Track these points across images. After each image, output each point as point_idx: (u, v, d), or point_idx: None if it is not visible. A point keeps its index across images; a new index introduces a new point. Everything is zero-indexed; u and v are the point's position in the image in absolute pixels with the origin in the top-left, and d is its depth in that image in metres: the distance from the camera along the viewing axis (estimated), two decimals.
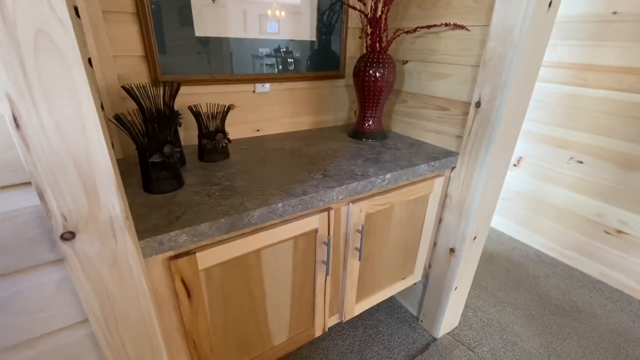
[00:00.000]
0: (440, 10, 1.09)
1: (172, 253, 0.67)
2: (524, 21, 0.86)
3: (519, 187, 2.12)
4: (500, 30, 0.91)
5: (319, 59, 1.30)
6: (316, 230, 0.88)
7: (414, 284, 1.39)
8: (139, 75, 0.97)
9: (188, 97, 1.07)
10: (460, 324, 1.49)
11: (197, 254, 0.69)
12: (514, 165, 2.13)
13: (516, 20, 0.87)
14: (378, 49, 1.17)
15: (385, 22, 1.15)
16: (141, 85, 0.86)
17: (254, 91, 1.19)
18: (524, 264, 1.93)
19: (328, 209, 0.88)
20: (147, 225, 0.64)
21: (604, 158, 1.71)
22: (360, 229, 0.98)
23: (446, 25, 1.05)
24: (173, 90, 0.87)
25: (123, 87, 0.83)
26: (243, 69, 1.13)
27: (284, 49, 1.20)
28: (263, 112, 1.25)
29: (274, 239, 0.80)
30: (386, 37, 1.17)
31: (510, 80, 0.93)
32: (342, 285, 1.07)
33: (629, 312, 1.59)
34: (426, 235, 1.25)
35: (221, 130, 0.96)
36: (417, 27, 1.12)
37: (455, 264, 1.23)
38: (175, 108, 1.04)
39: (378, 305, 1.57)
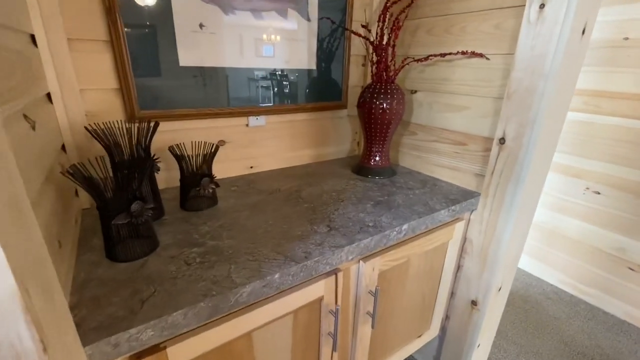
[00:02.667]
0: (454, 36, 0.99)
1: (132, 353, 0.51)
2: (557, 50, 0.75)
3: (534, 218, 1.99)
4: (528, 60, 0.80)
5: (319, 89, 1.18)
6: (321, 299, 0.72)
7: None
8: (112, 111, 0.83)
9: (171, 134, 0.93)
10: None
11: (169, 349, 0.52)
12: None
13: (548, 48, 0.76)
14: (385, 78, 1.05)
15: (394, 50, 1.04)
16: (110, 124, 0.72)
17: (247, 125, 1.06)
18: (542, 303, 1.77)
19: (335, 272, 0.73)
20: (100, 317, 0.48)
21: (622, 189, 1.60)
22: (373, 290, 0.82)
23: (463, 53, 0.94)
24: (149, 129, 0.73)
25: (86, 129, 0.69)
26: (235, 102, 1.01)
27: (281, 78, 1.08)
28: (258, 147, 1.11)
29: (269, 317, 0.64)
30: (394, 65, 1.06)
31: (540, 115, 0.81)
32: (352, 356, 0.90)
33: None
34: (444, 286, 1.09)
35: (207, 174, 0.82)
36: (430, 56, 1.01)
37: (478, 318, 1.07)
38: (155, 148, 0.90)
39: None
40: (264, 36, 1.00)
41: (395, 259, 0.85)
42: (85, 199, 0.83)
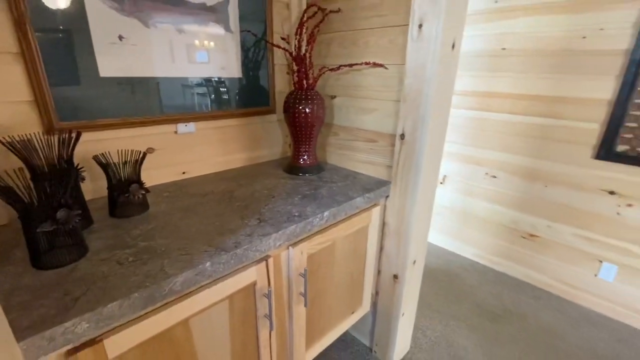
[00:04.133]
0: (360, 49, 1.15)
1: (70, 346, 0.54)
2: (434, 60, 0.94)
3: (447, 202, 2.30)
4: (415, 69, 0.99)
5: (248, 95, 1.26)
6: (254, 284, 0.81)
7: (364, 315, 1.37)
8: (28, 124, 0.82)
9: (95, 144, 0.93)
10: (411, 347, 1.50)
11: (105, 341, 0.57)
12: (441, 183, 2.31)
13: (427, 59, 0.95)
14: (306, 85, 1.18)
15: (310, 60, 1.17)
16: (27, 136, 0.72)
17: (176, 132, 1.10)
18: (460, 274, 2.06)
19: (266, 258, 0.82)
20: (32, 317, 0.51)
21: (512, 173, 1.95)
22: (303, 272, 0.92)
23: (366, 64, 1.11)
24: (71, 140, 0.75)
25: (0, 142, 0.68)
26: (169, 109, 1.04)
27: (208, 86, 1.14)
28: (189, 153, 1.15)
29: (204, 303, 0.70)
30: (312, 74, 1.19)
31: (428, 113, 1.00)
32: (290, 336, 0.99)
33: (551, 309, 1.78)
34: (370, 265, 1.24)
35: (136, 180, 0.85)
36: (340, 65, 1.17)
37: (400, 290, 1.24)
38: (80, 158, 0.90)
39: (331, 344, 1.50)
40: (195, 42, 1.05)
41: (321, 242, 0.97)
42: (3, 214, 0.80)
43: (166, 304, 0.65)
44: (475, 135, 2.06)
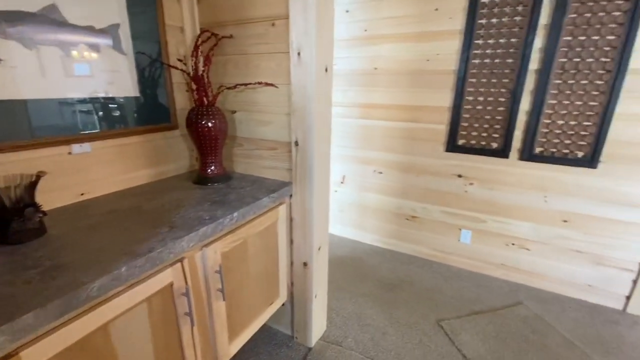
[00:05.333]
0: (252, 70, 1.32)
1: None
2: (311, 81, 1.18)
3: (349, 199, 2.64)
4: (299, 88, 1.21)
5: (148, 113, 1.30)
6: (171, 284, 0.88)
7: (283, 305, 1.52)
8: None
9: None
10: (327, 327, 1.71)
11: (23, 353, 0.59)
12: (342, 182, 2.64)
13: (307, 80, 1.18)
14: (206, 102, 1.29)
15: (208, 79, 1.28)
16: None
17: (70, 153, 1.08)
18: (363, 258, 2.39)
19: (181, 260, 0.90)
20: None
21: (393, 168, 2.38)
22: (218, 269, 1.03)
23: (259, 83, 1.29)
24: None
25: None
26: (46, 131, 1.02)
27: (105, 106, 1.15)
28: (87, 174, 1.13)
29: (121, 307, 0.76)
30: (211, 92, 1.31)
31: (313, 123, 1.22)
32: (212, 330, 1.08)
33: (431, 272, 2.23)
34: (283, 258, 1.41)
35: (31, 203, 0.84)
36: (237, 84, 1.32)
37: (310, 275, 1.44)
38: None
39: (255, 338, 1.60)
40: (85, 64, 1.06)
41: (233, 240, 1.09)
42: None
43: (84, 311, 0.69)
44: (363, 139, 2.44)
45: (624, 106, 1.66)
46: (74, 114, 1.07)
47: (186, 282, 0.92)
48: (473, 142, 2.04)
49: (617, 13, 1.57)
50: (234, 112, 1.44)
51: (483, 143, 2.02)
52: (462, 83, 1.98)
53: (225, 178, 1.36)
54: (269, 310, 1.39)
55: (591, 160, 1.76)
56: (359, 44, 2.27)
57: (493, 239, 2.15)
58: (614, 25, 1.59)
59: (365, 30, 2.22)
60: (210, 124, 1.26)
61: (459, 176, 2.15)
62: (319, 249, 1.45)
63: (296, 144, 1.28)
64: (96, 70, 1.11)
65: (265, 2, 1.22)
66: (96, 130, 1.14)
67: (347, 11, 2.24)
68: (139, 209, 1.06)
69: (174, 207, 1.07)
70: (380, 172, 2.44)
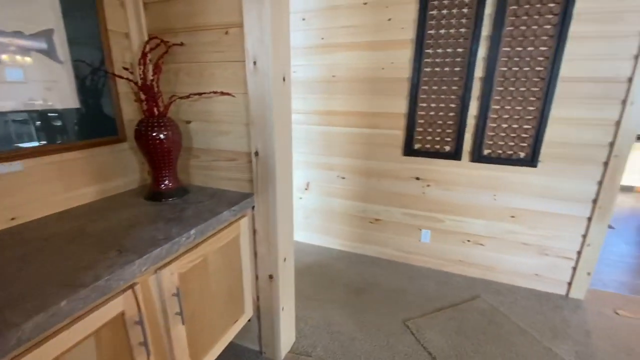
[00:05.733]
0: (207, 79, 1.27)
1: None
2: (270, 91, 1.16)
3: (314, 205, 2.64)
4: (257, 97, 1.18)
5: (91, 125, 1.19)
6: (123, 314, 0.81)
7: (249, 320, 1.47)
8: None
9: None
10: (296, 338, 1.68)
11: None
12: (306, 189, 2.63)
13: (265, 89, 1.16)
14: (157, 112, 1.21)
15: (158, 88, 1.21)
16: None
17: None
18: (331, 264, 2.39)
19: (132, 286, 0.83)
20: None
21: (356, 173, 2.42)
22: (176, 292, 0.96)
23: (215, 93, 1.24)
24: None
25: None
26: None
27: (39, 119, 1.04)
28: (18, 196, 1.01)
29: (64, 346, 0.68)
30: (162, 102, 1.24)
31: (273, 133, 1.20)
32: (171, 358, 1.00)
33: (396, 273, 2.29)
34: (247, 272, 1.36)
35: None
36: (191, 94, 1.26)
37: (277, 287, 1.40)
38: None
39: (221, 358, 1.53)
40: (13, 73, 0.94)
41: (191, 260, 1.03)
42: None
43: (16, 356, 0.60)
44: (326, 145, 2.46)
45: (556, 110, 1.84)
46: (5, 127, 0.95)
47: (139, 310, 0.85)
48: (428, 146, 2.14)
49: (548, 26, 1.75)
50: (188, 122, 1.37)
51: (437, 147, 2.12)
52: (416, 90, 2.07)
53: (181, 192, 1.29)
54: (234, 327, 1.33)
55: (532, 160, 1.93)
56: (316, 52, 2.29)
57: (451, 237, 2.26)
58: (545, 38, 1.76)
59: (322, 39, 2.24)
60: (162, 136, 1.18)
61: (417, 179, 2.24)
62: (285, 260, 1.42)
63: (256, 154, 1.25)
64: (30, 78, 1.00)
65: (218, 10, 1.18)
66: (31, 146, 1.02)
67: (303, 19, 2.25)
68: (82, 231, 0.96)
69: (123, 228, 0.99)
70: (344, 178, 2.46)
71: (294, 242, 1.49)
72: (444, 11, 1.90)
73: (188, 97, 1.25)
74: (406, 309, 1.90)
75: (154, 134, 1.17)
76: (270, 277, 1.40)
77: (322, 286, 2.12)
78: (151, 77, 1.23)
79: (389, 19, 2.04)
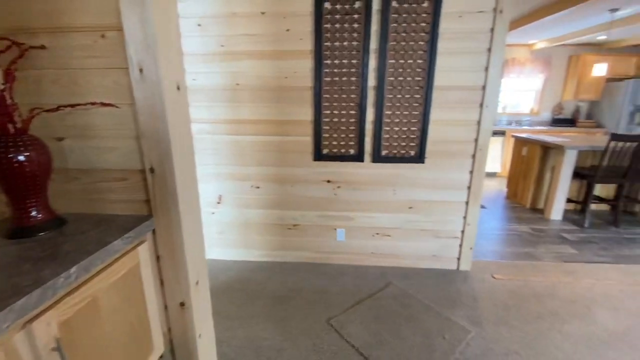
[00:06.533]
0: (83, 88, 1.09)
1: None
2: (161, 100, 1.06)
3: (229, 219, 2.51)
4: (146, 107, 1.06)
5: None
6: None
7: (161, 357, 1.30)
8: None
9: None
10: None
11: None
12: (218, 203, 2.50)
13: (155, 99, 1.05)
14: (14, 130, 0.98)
15: (12, 99, 0.99)
16: None
17: None
18: (251, 277, 2.32)
19: None
20: None
21: (269, 181, 2.40)
22: (56, 345, 0.79)
23: (93, 104, 1.07)
24: None
25: None
26: None
27: None
28: None
29: None
30: (20, 116, 1.01)
31: (169, 146, 1.10)
32: None
33: (318, 274, 2.34)
34: (152, 304, 1.21)
35: None
36: (60, 106, 1.06)
37: (190, 314, 1.28)
38: None
39: None
40: None
41: (75, 303, 0.86)
42: None
43: None
44: (237, 155, 2.38)
45: (435, 114, 2.16)
46: None
47: None
48: (335, 150, 2.27)
49: (422, 43, 2.04)
50: (61, 139, 1.15)
51: (343, 150, 2.26)
52: (319, 98, 2.17)
53: (55, 224, 1.07)
54: None
55: (420, 157, 2.22)
56: (218, 59, 2.20)
57: (362, 232, 2.43)
58: (421, 52, 2.06)
59: (222, 46, 2.17)
60: (22, 158, 0.96)
61: (328, 181, 2.35)
62: (197, 283, 1.31)
63: (152, 170, 1.12)
64: None
65: (90, 10, 1.03)
66: None
67: (199, 25, 2.14)
68: None
69: None
70: (258, 187, 2.42)
71: (207, 262, 1.39)
72: (337, 25, 2.04)
73: (57, 109, 1.05)
74: (329, 308, 1.97)
75: (11, 156, 0.95)
76: (182, 304, 1.27)
77: (244, 302, 2.04)
78: (1, 87, 0.99)
79: (288, 30, 2.10)
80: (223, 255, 2.60)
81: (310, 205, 2.41)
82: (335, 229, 2.44)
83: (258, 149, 2.34)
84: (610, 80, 5.34)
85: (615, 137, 3.04)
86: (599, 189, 3.73)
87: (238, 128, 2.32)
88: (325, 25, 2.05)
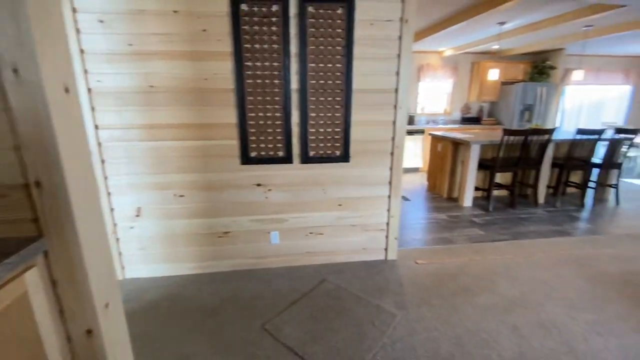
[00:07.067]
0: None
1: None
2: (45, 103, 0.93)
3: (151, 232, 2.32)
4: (25, 113, 0.93)
5: None
6: None
7: None
8: None
9: None
10: None
11: None
12: (137, 216, 2.29)
13: (36, 104, 0.93)
14: None
15: None
16: None
17: None
18: (181, 292, 2.17)
19: None
20: None
21: (195, 188, 2.28)
22: None
23: None
24: None
25: None
26: None
27: None
28: None
29: None
30: None
31: (60, 156, 0.98)
32: None
33: (252, 280, 2.30)
34: (50, 337, 1.05)
35: None
36: None
37: (100, 343, 1.15)
38: None
39: None
40: None
41: None
42: None
43: None
44: (156, 163, 2.20)
45: (356, 116, 2.28)
46: None
47: None
48: (263, 153, 2.25)
49: (339, 48, 2.14)
50: None
51: (271, 153, 2.26)
52: (242, 101, 2.13)
53: None
54: None
55: (345, 156, 2.33)
56: (126, 59, 2.02)
57: (296, 233, 2.46)
58: (339, 57, 2.16)
59: (131, 45, 2.00)
60: None
61: (258, 185, 2.32)
62: (107, 306, 1.19)
63: (37, 184, 0.98)
64: None
65: None
66: None
67: (100, 21, 1.94)
68: None
69: None
70: (182, 195, 2.28)
71: (127, 282, 1.26)
72: (256, 27, 2.03)
73: None
74: (264, 313, 1.94)
75: None
76: (89, 332, 1.14)
77: (172, 320, 1.90)
78: None
79: (204, 30, 2.02)
80: (148, 272, 2.39)
81: (241, 211, 2.35)
82: (269, 233, 2.42)
83: (179, 155, 2.20)
84: (505, 83, 6.24)
85: (506, 132, 3.58)
86: (500, 177, 4.34)
87: (155, 133, 2.15)
88: (244, 27, 2.03)
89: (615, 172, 4.17)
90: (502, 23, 4.11)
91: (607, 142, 4.03)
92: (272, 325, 1.83)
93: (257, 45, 2.06)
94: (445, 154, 4.30)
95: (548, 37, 4.89)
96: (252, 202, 2.34)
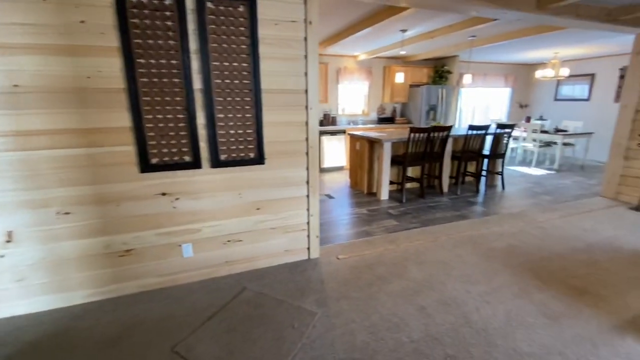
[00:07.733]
0: None
1: None
2: None
3: (30, 260, 1.94)
4: None
5: None
6: None
7: None
8: None
9: None
10: None
11: None
12: (8, 241, 1.88)
13: None
14: None
15: None
16: None
17: None
18: (74, 326, 1.86)
19: None
20: None
21: (84, 203, 1.97)
22: None
23: None
24: None
25: None
26: None
27: None
28: None
29: None
30: None
31: None
32: None
33: (162, 300, 2.08)
34: None
35: None
36: None
37: None
38: None
39: None
40: None
41: None
42: None
43: None
44: (29, 177, 1.84)
45: (267, 116, 2.24)
46: None
47: None
48: (166, 158, 2.06)
49: (244, 46, 2.07)
50: None
51: (176, 158, 2.08)
52: (137, 102, 1.92)
53: None
54: None
55: (260, 158, 2.27)
56: None
57: (211, 243, 2.31)
58: (244, 55, 2.09)
59: None
60: None
61: (163, 194, 2.12)
62: None
63: None
64: None
65: None
66: None
67: None
68: None
69: None
70: (68, 213, 1.95)
71: None
72: (147, 21, 1.84)
73: None
74: (176, 334, 1.77)
75: None
76: None
77: None
78: None
79: (82, 21, 1.76)
80: (29, 308, 1.99)
81: (144, 225, 2.11)
82: (180, 245, 2.23)
83: (60, 166, 1.88)
84: (413, 86, 6.88)
85: (413, 130, 3.93)
86: (410, 171, 4.75)
87: (25, 142, 1.80)
88: (133, 20, 1.82)
89: (500, 161, 4.92)
90: (404, 30, 4.50)
91: (492, 136, 4.72)
92: (184, 345, 1.68)
93: (150, 41, 1.88)
94: (363, 152, 4.54)
95: (444, 45, 5.54)
96: (157, 213, 2.13)
